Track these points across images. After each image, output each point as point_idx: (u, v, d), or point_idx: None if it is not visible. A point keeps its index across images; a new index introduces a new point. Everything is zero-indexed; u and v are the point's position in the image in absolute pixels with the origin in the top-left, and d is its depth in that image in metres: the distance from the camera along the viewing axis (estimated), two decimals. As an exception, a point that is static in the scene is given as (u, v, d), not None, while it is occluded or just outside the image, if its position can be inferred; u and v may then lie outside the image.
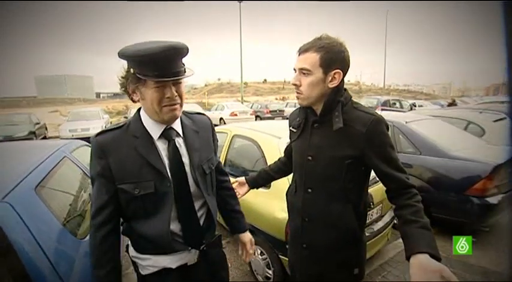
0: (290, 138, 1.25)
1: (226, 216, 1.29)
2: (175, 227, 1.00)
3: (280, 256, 2.00)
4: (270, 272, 2.15)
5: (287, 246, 1.37)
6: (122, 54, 0.87)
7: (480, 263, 2.40)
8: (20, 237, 1.04)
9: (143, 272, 1.02)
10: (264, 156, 2.27)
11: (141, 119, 0.97)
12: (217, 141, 1.24)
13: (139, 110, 1.00)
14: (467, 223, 2.87)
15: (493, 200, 2.64)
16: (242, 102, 20.73)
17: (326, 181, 1.08)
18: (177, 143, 0.99)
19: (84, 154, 2.29)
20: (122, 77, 0.93)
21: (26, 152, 1.79)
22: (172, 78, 0.86)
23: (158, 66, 0.83)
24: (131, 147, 0.93)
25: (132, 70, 0.87)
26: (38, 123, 10.02)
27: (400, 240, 2.97)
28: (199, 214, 1.04)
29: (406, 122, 3.35)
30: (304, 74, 1.01)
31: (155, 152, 0.95)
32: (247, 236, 1.28)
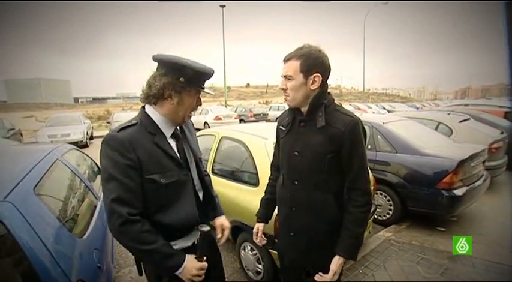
0: (279, 135, 1.37)
1: (210, 201, 1.31)
2: None
3: (269, 250, 2.10)
4: (260, 266, 2.24)
5: (276, 241, 1.48)
6: (188, 68, 1.02)
7: (450, 249, 2.61)
8: (25, 235, 1.08)
9: None
10: (252, 156, 2.38)
11: (151, 118, 1.09)
12: None
13: (144, 110, 1.10)
14: (438, 214, 3.14)
15: (459, 192, 2.92)
16: (226, 106, 20.76)
17: (310, 174, 1.21)
18: (183, 142, 1.15)
19: (74, 157, 2.30)
20: (164, 83, 1.03)
21: (19, 155, 1.80)
22: (208, 91, 1.13)
23: (204, 82, 1.10)
24: (151, 142, 1.05)
25: (182, 80, 1.03)
26: (12, 129, 9.53)
27: (381, 232, 3.17)
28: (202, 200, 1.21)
29: (384, 123, 3.60)
30: (288, 79, 1.16)
31: (170, 147, 1.09)
32: (225, 220, 1.35)
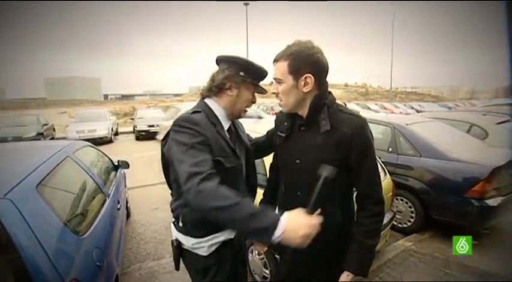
0: (276, 142, 1.24)
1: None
2: None
3: (276, 256, 2.03)
4: (267, 271, 2.18)
5: None
6: (249, 63, 1.14)
7: (480, 266, 2.38)
8: (20, 233, 1.09)
9: (207, 252, 1.13)
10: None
11: (213, 111, 1.14)
12: None
13: (204, 102, 1.17)
14: (467, 225, 2.85)
15: (492, 202, 2.62)
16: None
17: (314, 183, 1.09)
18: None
19: (87, 154, 2.36)
20: (227, 75, 1.12)
21: (28, 152, 1.86)
22: (262, 88, 1.21)
23: (259, 80, 1.19)
24: (214, 130, 1.09)
25: (242, 74, 1.12)
26: (46, 125, 10.19)
27: (400, 241, 2.94)
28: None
29: (407, 124, 3.35)
30: (278, 82, 1.05)
31: (227, 137, 1.15)
32: None
